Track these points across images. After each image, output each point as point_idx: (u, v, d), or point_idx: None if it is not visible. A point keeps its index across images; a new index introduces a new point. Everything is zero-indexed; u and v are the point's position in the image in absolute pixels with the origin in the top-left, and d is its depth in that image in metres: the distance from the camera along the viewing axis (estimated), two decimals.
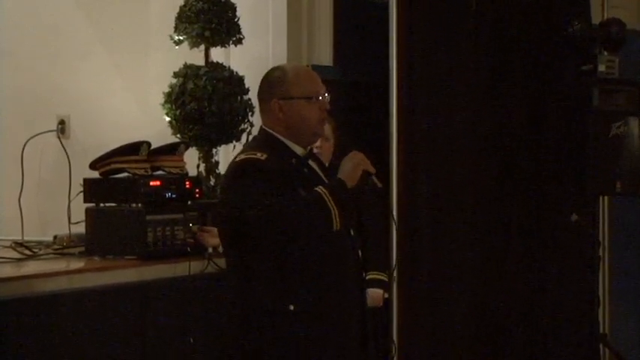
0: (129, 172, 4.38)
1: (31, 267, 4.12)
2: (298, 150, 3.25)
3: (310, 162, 3.31)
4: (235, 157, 3.19)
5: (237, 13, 5.17)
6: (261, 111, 3.29)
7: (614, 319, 6.34)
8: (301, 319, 3.09)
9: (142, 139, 4.47)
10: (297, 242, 3.08)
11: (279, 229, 3.03)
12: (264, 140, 3.24)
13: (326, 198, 3.06)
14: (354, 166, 3.18)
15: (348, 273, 3.24)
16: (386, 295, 4.84)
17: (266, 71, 3.35)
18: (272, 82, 3.25)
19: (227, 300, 3.19)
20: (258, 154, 3.11)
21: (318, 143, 4.14)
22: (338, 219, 3.06)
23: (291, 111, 3.21)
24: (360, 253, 3.34)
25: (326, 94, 3.27)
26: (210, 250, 4.38)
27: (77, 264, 4.20)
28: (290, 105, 3.21)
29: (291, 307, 3.08)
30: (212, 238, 4.31)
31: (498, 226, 5.69)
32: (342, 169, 3.18)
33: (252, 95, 5.01)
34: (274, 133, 3.23)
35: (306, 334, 3.10)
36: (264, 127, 3.28)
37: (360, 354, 3.30)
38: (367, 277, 4.80)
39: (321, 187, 3.11)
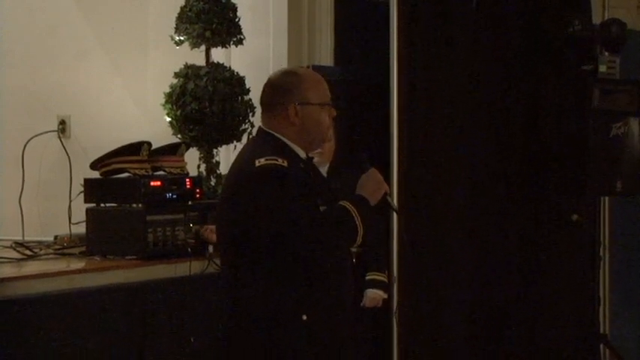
0: (129, 173, 4.38)
1: (32, 267, 4.12)
2: (302, 154, 3.23)
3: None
4: (253, 162, 3.08)
5: (238, 14, 5.17)
6: (271, 114, 3.22)
7: (614, 319, 6.35)
8: (312, 328, 3.08)
9: (142, 140, 4.47)
10: (326, 256, 3.08)
11: (311, 242, 3.01)
12: (272, 144, 3.17)
13: (354, 215, 3.07)
14: (377, 186, 3.18)
15: (348, 280, 3.25)
16: (385, 296, 4.84)
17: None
18: (288, 86, 3.20)
19: (227, 306, 3.15)
20: (280, 160, 3.07)
21: None
22: (361, 236, 3.08)
23: (307, 116, 3.18)
24: (354, 259, 3.35)
25: None
26: (211, 249, 4.37)
27: (78, 264, 4.20)
28: (307, 110, 3.18)
29: (305, 317, 3.07)
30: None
31: (499, 225, 5.69)
32: (363, 187, 3.17)
33: (253, 95, 5.02)
34: (279, 135, 3.19)
35: (315, 343, 3.09)
36: (266, 129, 3.22)
37: (357, 356, 3.32)
38: (366, 278, 4.80)
39: (347, 203, 3.10)
